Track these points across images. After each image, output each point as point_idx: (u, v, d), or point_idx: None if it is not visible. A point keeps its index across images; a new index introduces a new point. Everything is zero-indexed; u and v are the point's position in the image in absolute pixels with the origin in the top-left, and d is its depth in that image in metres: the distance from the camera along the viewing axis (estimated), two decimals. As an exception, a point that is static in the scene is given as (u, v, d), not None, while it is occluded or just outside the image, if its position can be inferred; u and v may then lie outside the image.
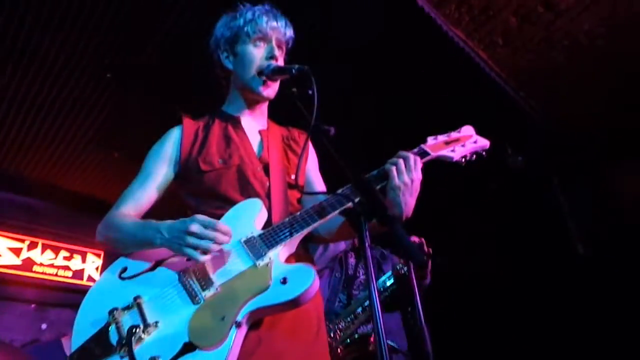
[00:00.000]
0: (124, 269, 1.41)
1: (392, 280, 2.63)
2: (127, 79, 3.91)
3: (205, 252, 1.26)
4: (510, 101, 3.93)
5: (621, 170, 4.35)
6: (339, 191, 1.40)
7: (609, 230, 4.03)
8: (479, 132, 1.69)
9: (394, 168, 1.36)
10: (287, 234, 1.36)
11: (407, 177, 1.36)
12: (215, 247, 1.26)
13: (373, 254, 3.01)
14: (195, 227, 1.25)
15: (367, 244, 1.07)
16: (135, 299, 1.31)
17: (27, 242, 5.58)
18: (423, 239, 2.49)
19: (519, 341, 3.93)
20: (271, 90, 1.64)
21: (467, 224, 4.58)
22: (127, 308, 1.30)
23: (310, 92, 1.39)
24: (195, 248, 1.25)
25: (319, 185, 1.76)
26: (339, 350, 2.52)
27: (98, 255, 6.07)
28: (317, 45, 3.31)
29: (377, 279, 2.73)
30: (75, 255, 5.88)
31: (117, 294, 1.34)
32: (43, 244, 5.68)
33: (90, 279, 5.93)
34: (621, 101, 3.96)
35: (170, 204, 1.67)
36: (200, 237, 1.25)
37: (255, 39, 1.62)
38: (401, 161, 1.37)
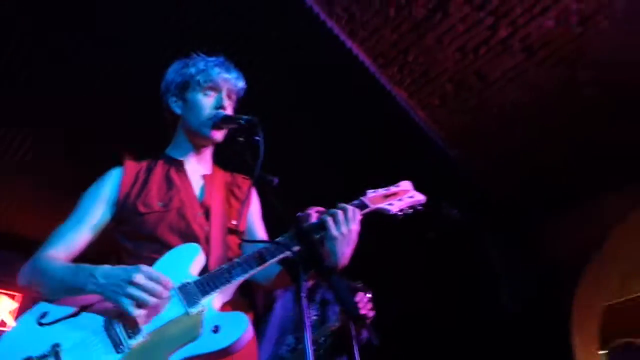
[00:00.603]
0: (44, 314, 1.31)
1: (336, 324, 2.60)
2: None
3: (141, 305, 1.22)
4: (445, 158, 4.19)
5: (547, 227, 4.69)
6: (279, 239, 1.41)
7: (537, 286, 4.28)
8: (417, 185, 1.79)
9: (330, 219, 1.40)
10: (224, 280, 1.35)
11: (345, 228, 1.39)
12: (154, 301, 1.22)
13: (325, 297, 2.98)
14: (139, 278, 1.21)
15: (303, 295, 1.08)
16: (54, 347, 1.22)
17: None
18: (369, 295, 2.51)
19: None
20: (220, 134, 1.66)
21: (407, 270, 4.70)
22: (44, 357, 1.21)
23: (256, 141, 1.43)
24: (133, 299, 1.21)
25: (260, 232, 1.76)
26: None
27: (13, 297, 5.54)
28: (264, 94, 3.43)
29: (328, 322, 2.72)
30: (-13, 297, 5.35)
31: (33, 341, 1.25)
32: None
33: (1, 324, 5.38)
34: (547, 163, 4.34)
35: (102, 246, 1.61)
36: (143, 289, 1.21)
37: (205, 88, 1.65)
38: (340, 212, 1.42)
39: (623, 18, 3.16)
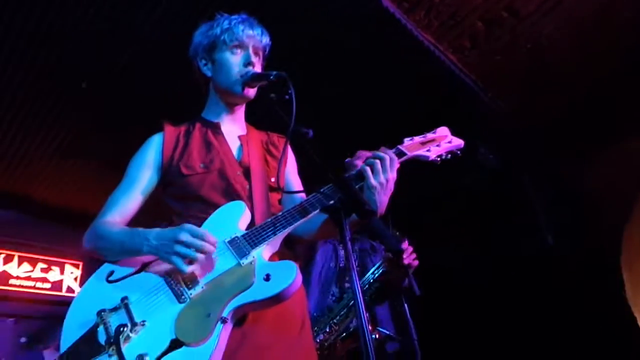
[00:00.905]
0: (111, 273, 1.45)
1: (380, 270, 2.69)
2: (100, 87, 3.91)
3: (191, 261, 1.31)
4: (480, 102, 4.08)
5: (586, 165, 4.54)
6: (319, 191, 1.46)
7: (574, 223, 4.21)
8: (452, 131, 1.78)
9: (369, 168, 1.43)
10: (270, 233, 1.42)
11: (383, 177, 1.42)
12: (201, 256, 1.31)
13: (363, 246, 3.08)
14: (184, 236, 1.30)
15: (347, 238, 1.14)
16: (123, 300, 1.35)
17: (2, 256, 5.47)
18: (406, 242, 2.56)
19: (497, 330, 4.06)
20: (252, 91, 1.69)
21: (445, 219, 4.71)
22: (115, 309, 1.34)
23: (287, 97, 1.45)
24: (183, 257, 1.30)
25: (297, 187, 1.82)
26: (337, 345, 2.58)
27: (76, 266, 5.98)
28: (291, 49, 3.40)
29: (366, 271, 2.82)
30: (53, 267, 5.79)
31: (104, 296, 1.38)
32: (19, 257, 5.57)
33: (69, 290, 5.84)
34: (585, 97, 4.15)
35: (156, 211, 1.71)
36: (188, 245, 1.30)
37: (232, 46, 1.68)
38: (377, 162, 1.44)
39: None
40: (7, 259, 5.50)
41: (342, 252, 2.95)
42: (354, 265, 1.16)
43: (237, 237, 1.43)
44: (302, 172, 1.92)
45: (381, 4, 3.17)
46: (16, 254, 5.56)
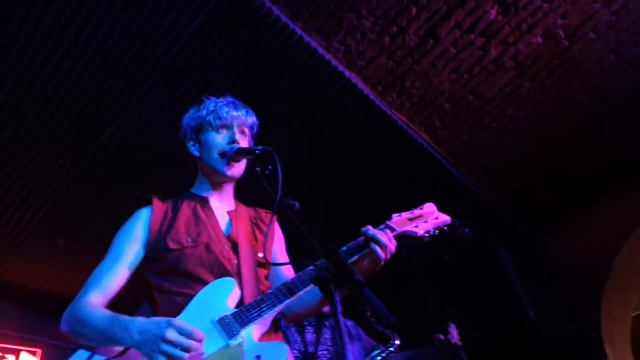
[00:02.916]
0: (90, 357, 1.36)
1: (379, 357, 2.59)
2: (78, 166, 3.89)
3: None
4: (452, 178, 4.26)
5: (557, 238, 4.70)
6: (308, 268, 1.46)
7: (551, 295, 4.26)
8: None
9: (374, 244, 1.48)
10: (260, 312, 1.39)
11: (389, 251, 1.49)
12: (187, 356, 1.25)
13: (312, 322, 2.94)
14: (171, 334, 1.24)
15: (338, 311, 1.12)
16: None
17: (-49, 344, 5.01)
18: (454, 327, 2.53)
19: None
20: (235, 170, 1.72)
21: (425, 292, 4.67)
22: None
23: (270, 169, 1.50)
24: (168, 357, 1.24)
25: (279, 257, 1.81)
26: None
27: (34, 354, 5.50)
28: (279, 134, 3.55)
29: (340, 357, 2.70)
30: (7, 355, 5.31)
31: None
32: (-29, 345, 5.12)
33: (23, 382, 5.32)
34: (547, 174, 4.41)
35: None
36: (175, 345, 1.24)
37: (217, 126, 1.73)
38: (383, 236, 1.49)
39: (608, 28, 3.30)
40: (-44, 348, 5.04)
41: (309, 336, 2.85)
42: (347, 340, 1.13)
43: (226, 315, 1.38)
44: (292, 247, 1.92)
45: (356, 86, 3.39)
46: (-33, 342, 5.11)
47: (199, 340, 1.27)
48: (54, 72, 3.09)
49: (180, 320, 1.30)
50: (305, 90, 3.44)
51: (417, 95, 3.66)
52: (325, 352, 2.64)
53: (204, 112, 1.77)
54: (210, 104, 1.79)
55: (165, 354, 1.23)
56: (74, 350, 1.46)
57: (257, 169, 1.56)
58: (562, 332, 3.95)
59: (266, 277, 1.69)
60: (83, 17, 2.78)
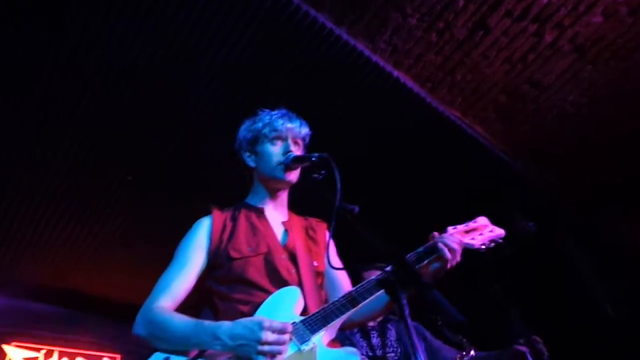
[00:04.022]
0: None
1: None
2: (145, 181, 4.13)
3: (274, 356, 1.30)
4: (511, 171, 4.11)
5: (630, 226, 4.40)
6: (372, 277, 1.50)
7: (630, 289, 3.98)
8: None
9: (445, 248, 1.51)
10: (328, 319, 1.43)
11: (457, 257, 1.53)
12: (285, 349, 1.30)
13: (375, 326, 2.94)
14: (269, 336, 1.29)
15: (406, 313, 1.13)
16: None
17: (43, 352, 5.47)
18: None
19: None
20: (293, 175, 1.76)
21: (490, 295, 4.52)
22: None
23: (324, 173, 1.56)
24: (267, 355, 1.28)
25: (335, 262, 1.82)
26: None
27: (114, 359, 5.90)
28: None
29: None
30: (91, 362, 5.73)
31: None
32: (60, 352, 5.55)
33: (108, 387, 5.71)
34: (615, 160, 4.14)
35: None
36: (273, 344, 1.29)
37: (272, 138, 1.78)
38: (453, 240, 1.53)
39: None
40: (47, 355, 5.49)
41: (374, 340, 2.81)
42: (417, 343, 1.13)
43: (295, 322, 1.42)
44: (349, 248, 1.94)
45: (405, 85, 3.37)
46: (56, 350, 5.55)
47: (290, 332, 1.33)
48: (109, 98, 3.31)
49: (266, 318, 1.34)
50: (355, 93, 3.46)
51: (469, 88, 3.56)
52: (393, 354, 2.62)
53: (260, 124, 1.83)
54: (265, 116, 1.85)
55: (264, 353, 1.28)
56: (149, 354, 1.53)
57: (315, 175, 1.59)
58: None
59: (321, 286, 1.72)
60: (138, 42, 2.97)
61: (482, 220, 1.73)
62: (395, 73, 3.36)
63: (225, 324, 1.36)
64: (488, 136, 3.91)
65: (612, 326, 3.73)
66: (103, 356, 5.83)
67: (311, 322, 1.42)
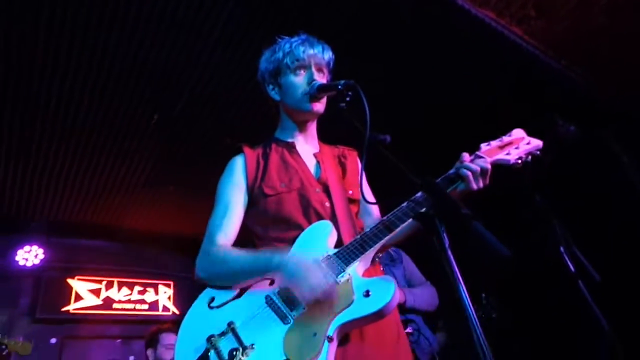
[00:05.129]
0: (212, 299, 1.48)
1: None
2: (170, 122, 4.14)
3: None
4: (554, 73, 3.81)
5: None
6: (405, 203, 1.45)
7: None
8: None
9: (470, 174, 1.42)
10: (362, 249, 1.42)
11: (482, 182, 1.44)
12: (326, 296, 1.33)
13: (382, 260, 3.02)
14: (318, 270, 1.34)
15: (447, 245, 1.09)
16: (229, 324, 1.38)
17: (104, 282, 5.95)
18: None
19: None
20: (320, 105, 1.70)
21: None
22: (223, 334, 1.37)
23: (348, 100, 1.47)
24: (312, 292, 1.32)
25: (369, 196, 1.79)
26: None
27: (168, 286, 6.36)
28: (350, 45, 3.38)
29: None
30: (148, 289, 6.21)
31: (210, 322, 1.42)
32: (118, 282, 6.04)
33: (165, 309, 6.23)
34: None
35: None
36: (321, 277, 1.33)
37: (294, 68, 1.70)
38: (478, 169, 1.43)
39: None
40: (108, 285, 5.98)
41: (397, 271, 2.96)
42: (459, 275, 1.10)
43: (329, 255, 1.43)
44: (380, 178, 1.88)
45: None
46: (115, 280, 6.03)
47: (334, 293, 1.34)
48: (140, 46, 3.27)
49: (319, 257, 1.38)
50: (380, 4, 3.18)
51: (506, -16, 3.20)
52: None
53: (280, 54, 1.73)
54: (286, 44, 1.74)
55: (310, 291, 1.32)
56: (200, 288, 1.59)
57: (342, 104, 1.51)
58: None
59: (357, 214, 1.70)
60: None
61: (518, 133, 1.63)
62: (423, -25, 3.05)
63: (297, 256, 1.42)
64: (528, 37, 3.58)
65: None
66: (158, 283, 6.30)
67: (345, 254, 1.42)
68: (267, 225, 1.61)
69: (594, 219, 3.74)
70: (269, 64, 1.77)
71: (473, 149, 1.57)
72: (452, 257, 1.12)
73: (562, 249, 2.41)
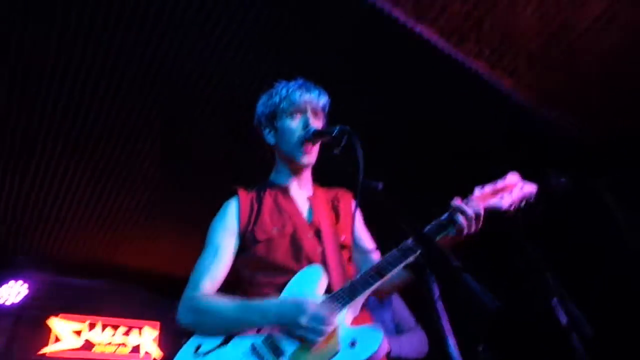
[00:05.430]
0: (198, 346, 1.44)
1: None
2: (170, 157, 4.15)
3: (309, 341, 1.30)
4: (545, 124, 3.89)
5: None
6: (396, 248, 1.42)
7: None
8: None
9: (462, 217, 1.40)
10: (350, 297, 1.39)
11: (475, 226, 1.41)
12: (322, 340, 1.30)
13: (370, 303, 2.92)
14: (305, 322, 1.31)
15: (436, 296, 1.07)
16: (213, 373, 1.33)
17: (87, 322, 5.77)
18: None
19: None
20: (312, 156, 1.71)
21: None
22: (206, 383, 1.33)
23: (343, 145, 1.48)
24: (303, 337, 1.31)
25: (367, 241, 1.79)
26: None
27: (155, 327, 6.17)
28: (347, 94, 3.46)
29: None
30: (133, 330, 6.01)
31: (195, 371, 1.37)
32: (103, 323, 5.85)
33: (146, 355, 6.02)
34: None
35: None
36: (310, 330, 1.30)
37: (291, 112, 1.72)
38: (470, 210, 1.42)
39: None
40: (91, 326, 5.79)
41: (386, 314, 2.87)
42: (448, 327, 1.07)
43: (317, 302, 1.39)
44: (373, 225, 1.88)
45: (430, 41, 3.17)
46: (100, 320, 5.85)
47: (332, 324, 1.32)
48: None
49: (313, 304, 1.34)
50: (374, 51, 3.29)
51: (498, 39, 3.33)
52: None
53: (277, 98, 1.76)
54: (282, 89, 1.77)
55: (300, 338, 1.31)
56: (188, 336, 1.54)
57: (336, 151, 1.53)
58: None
59: (349, 259, 1.68)
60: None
61: (512, 178, 1.61)
62: (418, 28, 3.16)
63: (276, 303, 1.40)
64: (519, 88, 3.68)
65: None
66: (144, 324, 6.11)
67: (332, 301, 1.39)
68: (257, 271, 1.58)
69: (585, 272, 3.72)
70: (265, 107, 1.79)
71: (466, 194, 1.57)
72: (441, 308, 1.10)
73: (554, 301, 2.37)
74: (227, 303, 1.47)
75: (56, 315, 5.64)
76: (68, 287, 5.81)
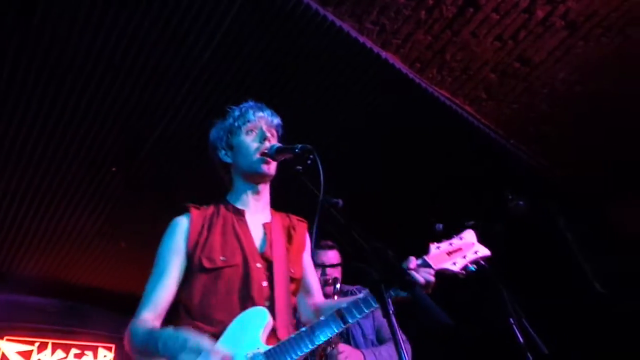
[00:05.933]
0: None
1: None
2: (130, 172, 4.06)
3: None
4: (502, 150, 4.06)
5: (621, 204, 4.38)
6: (352, 298, 1.48)
7: (619, 266, 3.99)
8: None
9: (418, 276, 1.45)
10: (302, 349, 1.39)
11: (425, 291, 1.45)
12: None
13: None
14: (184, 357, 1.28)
15: (391, 311, 1.09)
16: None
17: (37, 344, 5.45)
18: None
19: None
20: (271, 168, 1.69)
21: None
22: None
23: (309, 164, 1.49)
24: None
25: (312, 279, 1.81)
26: None
27: (109, 349, 5.89)
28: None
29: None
30: (86, 352, 5.72)
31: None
32: (53, 344, 5.55)
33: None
34: (607, 138, 4.09)
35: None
36: None
37: (246, 129, 1.72)
38: (422, 279, 1.45)
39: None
40: (41, 347, 5.48)
41: (366, 322, 2.79)
42: (401, 342, 1.09)
43: (259, 352, 1.37)
44: (332, 240, 1.89)
45: (394, 66, 3.28)
46: (50, 341, 5.54)
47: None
48: (96, 93, 3.24)
49: (199, 341, 1.30)
50: (341, 76, 3.38)
51: (459, 68, 3.48)
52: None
53: (231, 119, 1.77)
54: (235, 110, 1.79)
55: None
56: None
57: (298, 167, 1.53)
58: (635, 306, 3.68)
59: (294, 293, 1.67)
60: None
61: (469, 237, 1.66)
62: (384, 54, 3.27)
63: (167, 332, 1.38)
64: (479, 116, 3.84)
65: (601, 301, 3.75)
66: (98, 346, 5.83)
67: (276, 354, 1.37)
68: (199, 301, 1.52)
69: (541, 292, 3.85)
70: (219, 131, 1.79)
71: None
72: (395, 323, 1.12)
73: (511, 320, 2.43)
74: (142, 330, 1.45)
75: (1, 337, 5.32)
76: (15, 306, 5.49)
